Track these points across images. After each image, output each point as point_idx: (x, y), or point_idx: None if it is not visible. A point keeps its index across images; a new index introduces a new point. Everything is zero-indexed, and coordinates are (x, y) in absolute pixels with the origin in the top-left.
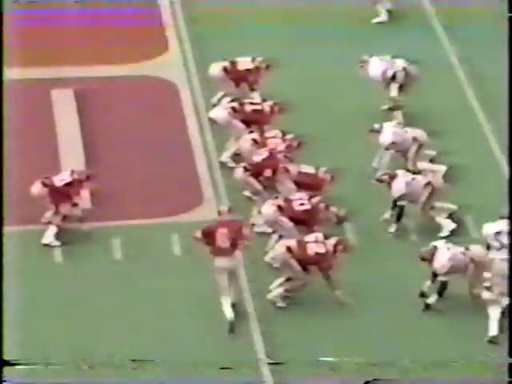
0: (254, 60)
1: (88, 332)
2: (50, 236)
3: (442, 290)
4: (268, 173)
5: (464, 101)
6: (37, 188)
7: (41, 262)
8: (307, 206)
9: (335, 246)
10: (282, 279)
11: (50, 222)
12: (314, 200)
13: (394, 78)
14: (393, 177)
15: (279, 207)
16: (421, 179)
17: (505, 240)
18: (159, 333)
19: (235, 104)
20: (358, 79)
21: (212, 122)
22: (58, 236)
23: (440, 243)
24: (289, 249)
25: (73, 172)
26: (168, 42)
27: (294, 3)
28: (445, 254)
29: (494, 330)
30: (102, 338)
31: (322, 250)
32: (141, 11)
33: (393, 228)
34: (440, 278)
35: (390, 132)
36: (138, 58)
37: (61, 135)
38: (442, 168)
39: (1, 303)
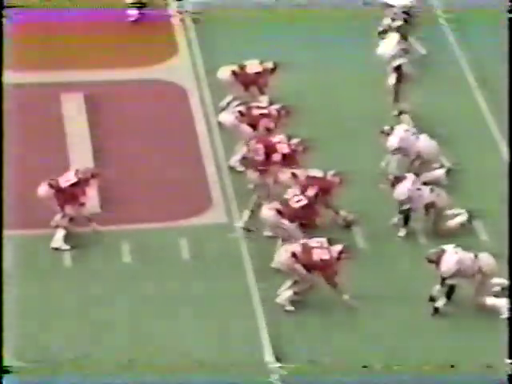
0: (262, 63)
1: (97, 335)
2: (59, 240)
3: (450, 293)
4: (277, 157)
5: (474, 105)
6: (43, 190)
7: (50, 265)
8: (304, 202)
9: (340, 252)
10: (289, 282)
11: (59, 226)
12: (309, 193)
13: (398, 68)
14: (399, 180)
15: (278, 211)
16: (425, 192)
17: None
18: (168, 336)
19: (242, 108)
20: (367, 82)
21: (221, 125)
22: (67, 240)
23: (449, 247)
24: (294, 254)
25: (77, 171)
26: (177, 46)
27: (304, 6)
28: (452, 257)
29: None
30: (110, 340)
31: (326, 257)
32: (150, 15)
33: (402, 232)
34: (448, 282)
35: (397, 136)
36: (147, 61)
37: (71, 139)
38: (441, 171)
39: (1, 307)
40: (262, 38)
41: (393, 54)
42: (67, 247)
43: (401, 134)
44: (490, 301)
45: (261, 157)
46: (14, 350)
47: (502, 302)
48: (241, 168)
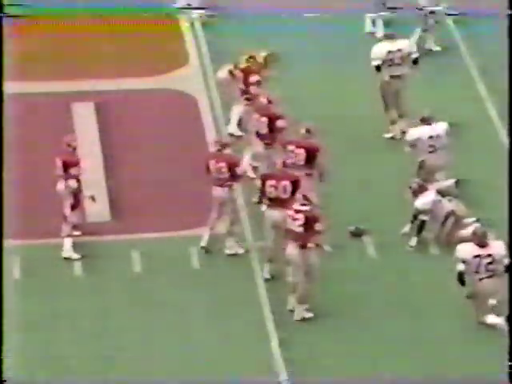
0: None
1: (107, 345)
2: (68, 249)
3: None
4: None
5: (484, 113)
6: (61, 185)
7: (61, 275)
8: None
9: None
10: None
11: (68, 235)
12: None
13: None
14: (423, 189)
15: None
16: (445, 203)
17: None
18: (178, 346)
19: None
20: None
21: (231, 135)
22: (77, 249)
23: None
24: (301, 246)
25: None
26: (188, 55)
27: (314, 21)
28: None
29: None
30: (121, 350)
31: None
32: (161, 24)
33: (413, 241)
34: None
35: (416, 133)
36: (157, 70)
37: (81, 148)
38: (451, 181)
39: (1, 314)
40: (275, 49)
41: (376, 57)
42: (77, 256)
43: (421, 133)
44: (492, 319)
45: (225, 175)
46: (21, 361)
47: (502, 321)
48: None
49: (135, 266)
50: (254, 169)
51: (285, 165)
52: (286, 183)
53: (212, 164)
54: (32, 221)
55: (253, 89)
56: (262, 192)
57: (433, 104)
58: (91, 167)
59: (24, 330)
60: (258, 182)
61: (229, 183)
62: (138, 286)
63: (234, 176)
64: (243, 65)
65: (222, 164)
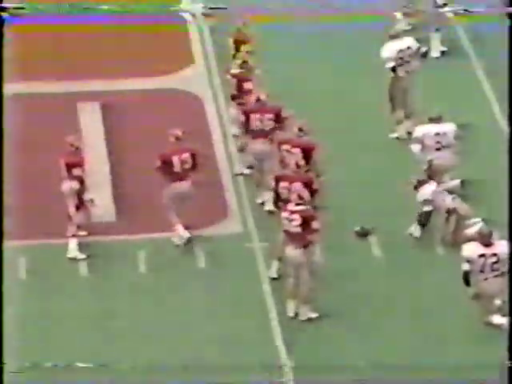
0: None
1: (111, 345)
2: (74, 249)
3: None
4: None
5: (488, 114)
6: (67, 185)
7: (66, 275)
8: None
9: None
10: (292, 303)
11: (73, 235)
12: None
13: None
14: (422, 183)
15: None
16: (447, 198)
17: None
18: (185, 345)
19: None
20: (381, 90)
21: (235, 136)
22: (82, 249)
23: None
24: (304, 246)
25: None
26: (193, 56)
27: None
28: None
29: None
30: (127, 350)
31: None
32: (166, 24)
33: (417, 232)
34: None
35: (422, 129)
36: (163, 71)
37: (86, 148)
38: (457, 181)
39: (1, 314)
40: (276, 46)
41: (389, 57)
42: (83, 256)
43: (427, 130)
44: (497, 320)
45: (189, 165)
46: (23, 362)
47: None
48: (247, 171)
49: (140, 265)
50: (251, 168)
51: (298, 166)
52: (299, 185)
53: (175, 159)
54: (37, 221)
55: (246, 94)
56: (276, 193)
57: (438, 105)
58: (96, 167)
59: (28, 330)
60: (272, 184)
61: (191, 174)
62: (143, 286)
63: (195, 165)
64: (235, 70)
65: (186, 155)
